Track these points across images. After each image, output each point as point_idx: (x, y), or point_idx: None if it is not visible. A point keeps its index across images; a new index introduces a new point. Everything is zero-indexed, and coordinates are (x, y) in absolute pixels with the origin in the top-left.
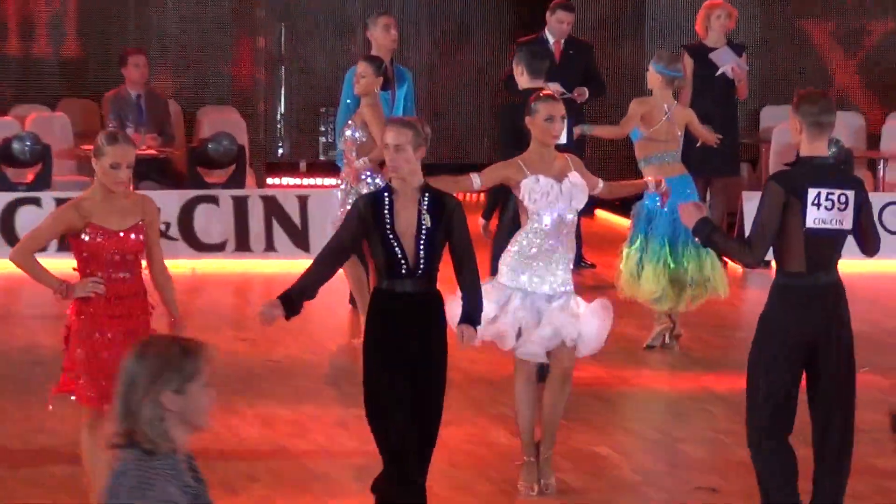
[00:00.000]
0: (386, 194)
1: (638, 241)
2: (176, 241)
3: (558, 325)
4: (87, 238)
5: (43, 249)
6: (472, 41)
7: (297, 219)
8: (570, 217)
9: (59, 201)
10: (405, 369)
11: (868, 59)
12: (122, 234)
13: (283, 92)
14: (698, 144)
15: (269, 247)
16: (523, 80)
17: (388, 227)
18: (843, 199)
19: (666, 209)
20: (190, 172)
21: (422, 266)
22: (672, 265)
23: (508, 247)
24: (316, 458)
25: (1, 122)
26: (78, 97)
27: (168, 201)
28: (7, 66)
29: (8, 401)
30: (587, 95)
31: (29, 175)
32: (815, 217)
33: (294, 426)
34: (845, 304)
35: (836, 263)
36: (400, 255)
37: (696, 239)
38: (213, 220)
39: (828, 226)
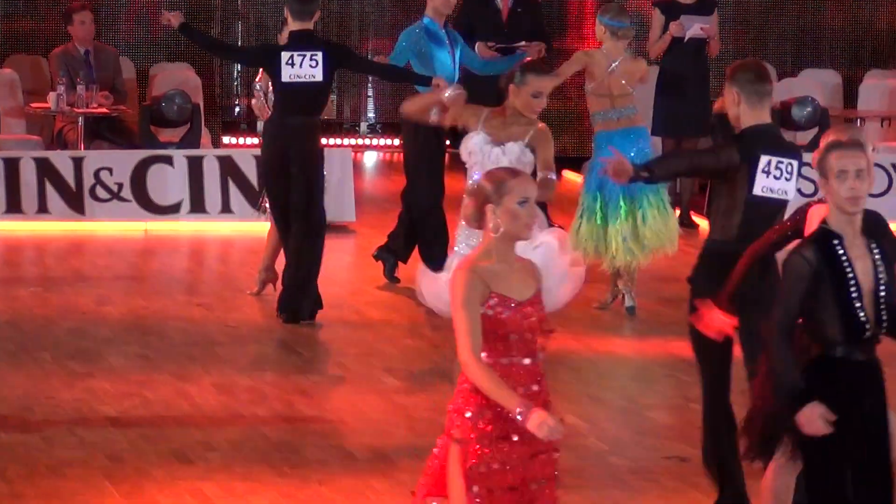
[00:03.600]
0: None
1: (588, 204)
2: (128, 202)
3: None
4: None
5: None
6: None
7: (253, 179)
8: None
9: (7, 161)
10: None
11: (844, 16)
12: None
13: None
14: None
15: (226, 208)
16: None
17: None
18: (789, 168)
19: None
20: (143, 131)
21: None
22: (629, 222)
23: None
24: (275, 426)
25: None
26: (26, 53)
27: (120, 161)
28: None
29: None
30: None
31: None
32: (763, 185)
33: (252, 393)
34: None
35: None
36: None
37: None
38: (167, 181)
39: (774, 195)
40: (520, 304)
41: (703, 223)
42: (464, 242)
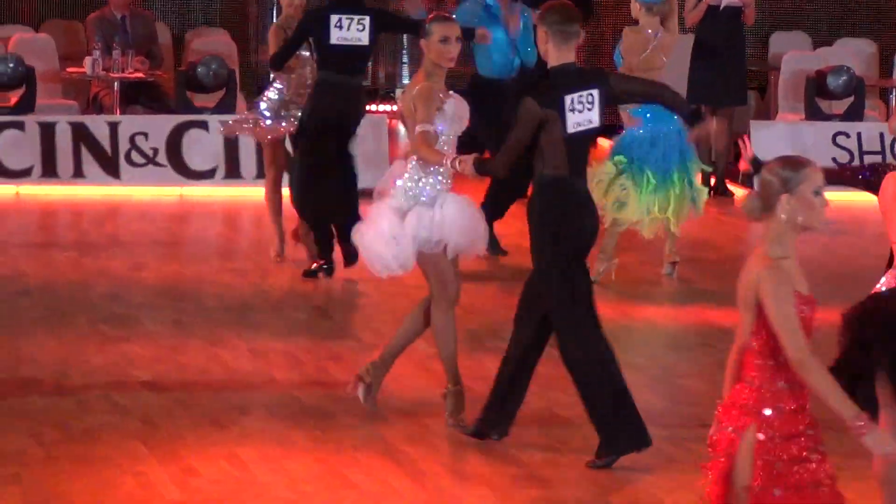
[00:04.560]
0: None
1: (616, 162)
2: (164, 167)
3: None
4: None
5: None
6: None
7: (289, 144)
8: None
9: (43, 126)
10: None
11: None
12: None
13: (274, 13)
14: None
15: (261, 174)
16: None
17: None
18: (590, 98)
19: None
20: (179, 97)
21: None
22: (659, 189)
23: None
24: (309, 391)
25: None
26: (63, 18)
27: (156, 126)
28: None
29: None
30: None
31: (12, 98)
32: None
33: (286, 358)
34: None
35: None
36: None
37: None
38: (203, 146)
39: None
40: (813, 302)
41: (738, 191)
42: (411, 181)
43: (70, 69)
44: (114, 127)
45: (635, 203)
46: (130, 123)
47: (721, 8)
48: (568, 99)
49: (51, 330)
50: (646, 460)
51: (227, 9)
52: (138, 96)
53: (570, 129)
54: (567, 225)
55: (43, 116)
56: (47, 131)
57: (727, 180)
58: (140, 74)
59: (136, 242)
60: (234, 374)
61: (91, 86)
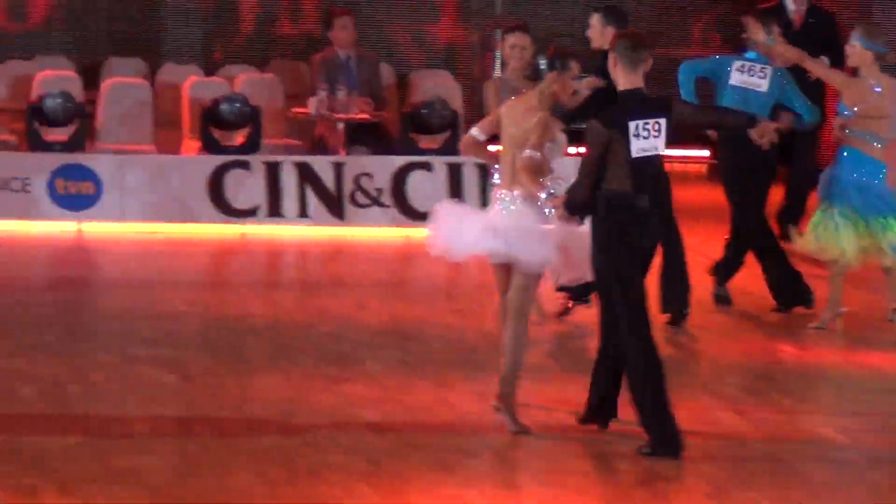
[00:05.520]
0: None
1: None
2: (388, 208)
3: None
4: None
5: None
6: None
7: None
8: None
9: (269, 165)
10: None
11: None
12: None
13: (497, 54)
14: None
15: None
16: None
17: None
18: (657, 126)
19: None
20: (403, 138)
21: None
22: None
23: None
24: (535, 434)
25: (210, 82)
26: (288, 58)
27: (380, 167)
28: (216, 26)
29: (222, 369)
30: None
31: (238, 138)
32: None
33: None
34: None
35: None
36: None
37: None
38: (427, 188)
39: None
40: None
41: None
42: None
43: (295, 109)
44: (338, 167)
45: (842, 236)
46: (355, 164)
47: None
48: (633, 124)
49: (277, 369)
50: None
51: (450, 50)
52: (363, 137)
53: (635, 153)
54: (624, 238)
55: (268, 156)
56: (272, 171)
57: None
58: (364, 115)
59: (360, 283)
60: (461, 415)
61: (316, 126)
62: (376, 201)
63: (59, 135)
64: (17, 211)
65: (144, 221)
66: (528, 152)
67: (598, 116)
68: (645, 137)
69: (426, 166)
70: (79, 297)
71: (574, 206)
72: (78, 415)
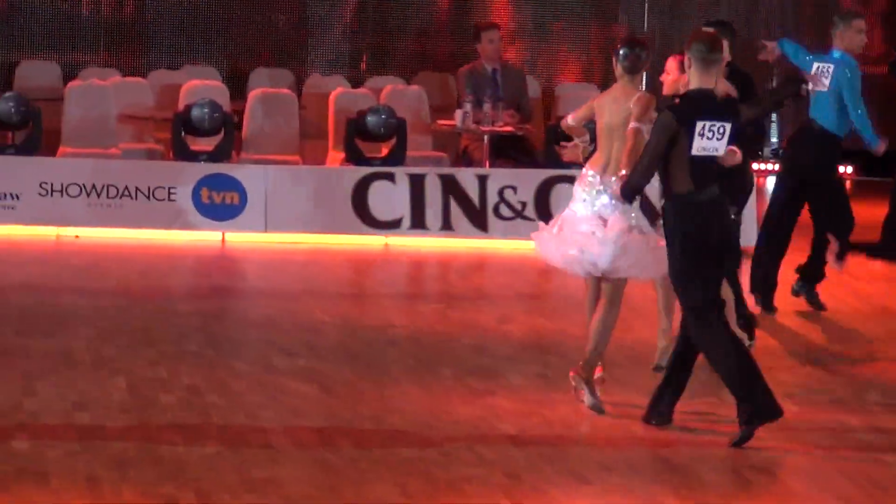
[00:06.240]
0: None
1: None
2: (532, 221)
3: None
4: None
5: None
6: None
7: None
8: None
9: (413, 177)
10: None
11: None
12: None
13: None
14: None
15: None
16: None
17: None
18: (721, 130)
19: None
20: (548, 151)
21: None
22: None
23: None
24: (675, 449)
25: (357, 94)
26: (435, 70)
27: (525, 180)
28: (363, 38)
29: (362, 380)
30: None
31: (383, 149)
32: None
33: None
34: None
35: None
36: None
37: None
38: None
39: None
40: None
41: None
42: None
43: (440, 122)
44: (483, 180)
45: None
46: (499, 177)
47: None
48: (700, 124)
49: (417, 381)
50: None
51: (597, 62)
52: (507, 150)
53: (695, 151)
54: (691, 237)
55: (413, 168)
56: (417, 183)
57: None
58: (510, 128)
59: (502, 295)
60: (600, 429)
61: (461, 138)
62: (520, 214)
63: (205, 144)
64: (161, 220)
65: (288, 232)
66: (633, 124)
67: (671, 108)
68: (708, 138)
69: (570, 180)
70: (221, 306)
71: (630, 191)
72: (217, 424)
